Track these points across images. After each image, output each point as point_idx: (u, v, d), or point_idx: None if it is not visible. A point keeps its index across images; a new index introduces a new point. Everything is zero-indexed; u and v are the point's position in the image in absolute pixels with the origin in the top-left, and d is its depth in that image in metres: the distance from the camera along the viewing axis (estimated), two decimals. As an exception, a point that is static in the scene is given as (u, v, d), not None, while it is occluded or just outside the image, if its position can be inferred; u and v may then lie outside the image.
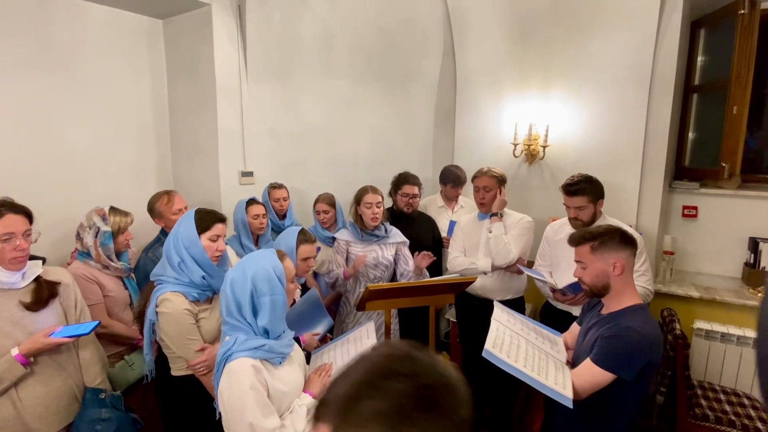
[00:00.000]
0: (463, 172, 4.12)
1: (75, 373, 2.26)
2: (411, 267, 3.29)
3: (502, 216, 3.26)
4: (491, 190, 3.25)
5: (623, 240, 2.02)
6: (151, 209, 3.09)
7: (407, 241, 3.38)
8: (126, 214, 2.83)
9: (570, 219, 2.97)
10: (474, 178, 3.34)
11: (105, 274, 2.75)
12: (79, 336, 2.14)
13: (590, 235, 2.06)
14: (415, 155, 4.82)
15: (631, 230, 2.70)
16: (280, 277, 1.85)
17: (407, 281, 3.22)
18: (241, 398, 1.70)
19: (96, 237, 2.70)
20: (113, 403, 2.30)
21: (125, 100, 3.76)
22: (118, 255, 2.82)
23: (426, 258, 3.22)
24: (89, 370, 2.30)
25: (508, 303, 2.50)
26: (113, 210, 2.79)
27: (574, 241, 2.10)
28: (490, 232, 3.19)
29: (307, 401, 1.90)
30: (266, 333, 1.84)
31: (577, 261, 2.11)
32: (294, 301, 2.69)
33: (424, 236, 3.70)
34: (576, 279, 2.60)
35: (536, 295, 3.69)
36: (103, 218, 2.73)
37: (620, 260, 1.99)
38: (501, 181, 3.28)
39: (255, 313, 1.83)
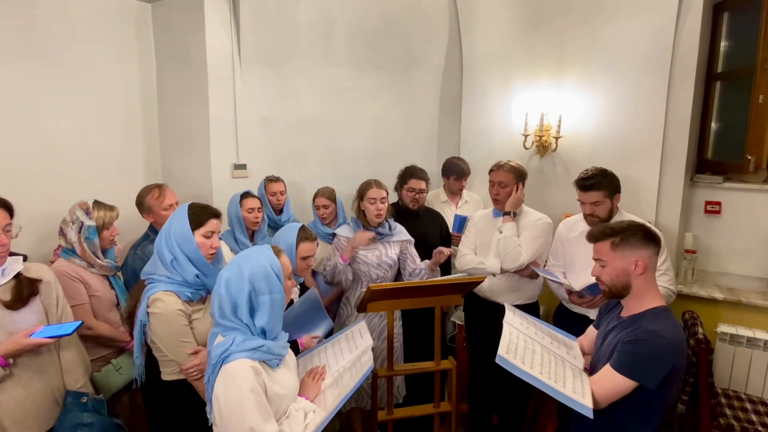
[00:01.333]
0: (466, 164, 4.10)
1: (56, 375, 2.25)
2: (422, 265, 3.27)
3: (515, 215, 3.18)
4: (507, 186, 3.17)
5: (646, 236, 2.00)
6: (140, 203, 3.08)
7: (412, 240, 3.36)
8: (111, 208, 2.82)
9: (585, 215, 2.95)
10: (490, 171, 3.27)
11: (90, 273, 2.74)
12: (60, 337, 2.13)
13: (611, 231, 2.03)
14: (419, 147, 4.82)
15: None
16: (278, 274, 1.85)
17: (413, 281, 3.21)
18: (240, 401, 1.69)
19: (80, 232, 2.69)
20: (96, 408, 2.29)
21: (112, 89, 3.75)
22: (104, 252, 2.81)
23: (442, 254, 3.17)
24: (71, 372, 2.30)
25: (519, 308, 2.49)
26: (97, 204, 2.78)
27: (594, 237, 2.08)
28: (501, 232, 3.14)
29: (304, 405, 1.91)
30: (263, 334, 1.84)
31: (595, 259, 2.09)
32: (291, 300, 2.70)
33: (431, 234, 3.68)
34: (594, 280, 2.60)
35: (549, 297, 3.68)
36: (87, 212, 2.72)
37: (643, 258, 1.97)
38: (520, 176, 3.19)
39: (252, 313, 1.83)
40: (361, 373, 2.10)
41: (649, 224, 2.13)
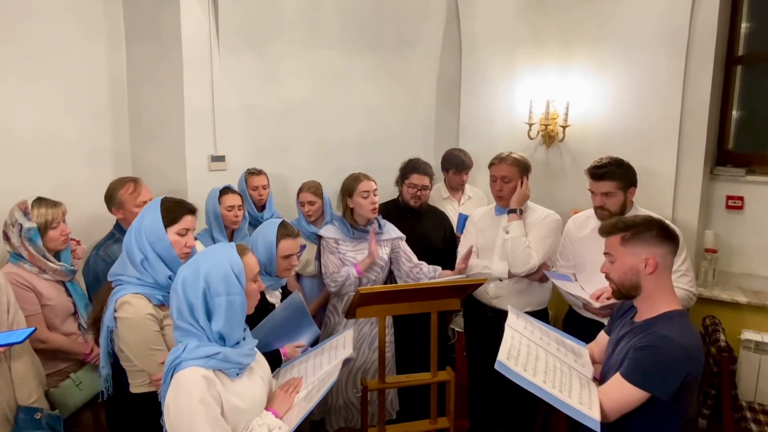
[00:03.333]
0: (467, 155, 4.10)
1: (6, 389, 2.22)
2: (423, 262, 3.26)
3: (522, 213, 3.13)
4: (511, 181, 3.11)
5: (662, 234, 2.00)
6: (110, 197, 3.05)
7: (403, 236, 3.35)
8: (55, 204, 2.76)
9: (595, 208, 2.94)
10: (491, 165, 3.20)
11: (42, 279, 2.70)
12: (10, 345, 2.10)
13: (623, 225, 2.04)
14: (415, 137, 4.80)
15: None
16: (238, 274, 1.86)
17: (407, 283, 3.21)
18: (189, 413, 1.70)
19: (20, 235, 2.64)
20: (50, 424, 2.28)
21: (76, 72, 3.71)
22: (57, 255, 2.77)
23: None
24: (23, 386, 2.27)
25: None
26: (38, 201, 2.72)
27: (605, 230, 2.09)
28: (507, 232, 3.09)
29: (269, 421, 1.90)
30: (222, 339, 1.84)
31: (605, 254, 2.10)
32: (273, 305, 2.68)
33: (434, 234, 3.62)
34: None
35: (558, 302, 3.68)
36: (25, 213, 2.66)
37: (654, 256, 1.97)
38: (524, 169, 3.14)
39: (209, 316, 1.83)
40: (325, 386, 2.08)
41: (668, 222, 2.12)
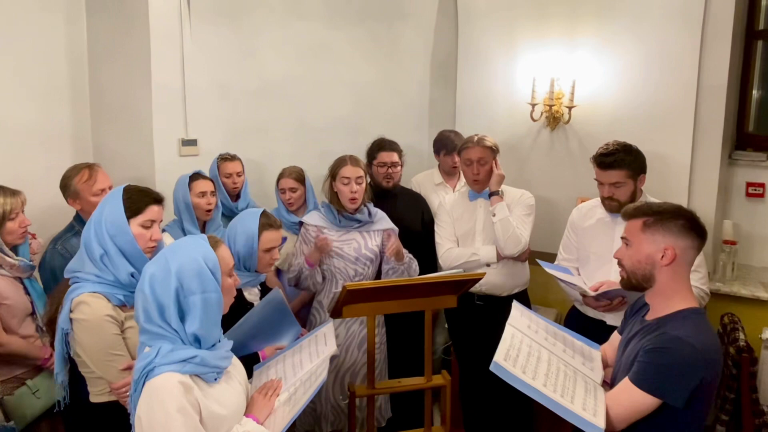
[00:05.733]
0: (459, 136, 4.11)
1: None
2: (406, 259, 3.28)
3: (502, 194, 3.32)
4: (486, 164, 3.31)
5: (689, 226, 2.00)
6: (65, 186, 3.04)
7: (396, 229, 3.36)
8: (14, 193, 2.73)
9: (602, 199, 2.97)
10: (462, 149, 3.39)
11: None
12: None
13: (648, 209, 2.05)
14: (407, 118, 4.80)
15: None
16: (213, 270, 1.85)
17: (399, 278, 3.20)
18: (165, 423, 1.69)
19: None
20: (4, 437, 2.27)
21: (30, 48, 3.68)
22: (14, 250, 2.75)
23: (393, 237, 3.24)
24: None
25: (515, 298, 2.54)
26: None
27: (628, 213, 2.11)
28: (494, 215, 3.25)
29: (249, 428, 1.90)
30: (197, 341, 1.83)
31: (622, 238, 2.11)
32: (251, 303, 2.67)
33: (411, 218, 3.70)
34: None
35: (562, 300, 3.69)
36: None
37: (674, 247, 1.97)
38: (495, 151, 3.36)
39: (182, 317, 1.81)
40: (313, 388, 2.08)
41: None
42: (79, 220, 3.01)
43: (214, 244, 1.93)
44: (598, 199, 3.02)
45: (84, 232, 2.21)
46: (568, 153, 4.24)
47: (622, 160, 2.84)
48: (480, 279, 2.78)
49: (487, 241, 3.33)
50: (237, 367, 2.07)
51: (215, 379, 1.86)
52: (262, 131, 4.30)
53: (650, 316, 2.06)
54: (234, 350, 2.06)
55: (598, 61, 4.05)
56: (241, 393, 2.01)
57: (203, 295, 1.81)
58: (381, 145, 3.74)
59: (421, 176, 4.27)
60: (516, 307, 2.41)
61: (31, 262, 2.82)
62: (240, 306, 2.52)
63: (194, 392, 1.76)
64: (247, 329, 2.45)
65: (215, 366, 1.85)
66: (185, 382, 1.74)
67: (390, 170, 3.70)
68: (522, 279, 3.45)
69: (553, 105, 4.14)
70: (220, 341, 1.93)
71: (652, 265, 2.00)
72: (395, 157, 3.71)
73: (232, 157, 3.76)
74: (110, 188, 3.04)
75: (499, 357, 1.94)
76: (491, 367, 1.90)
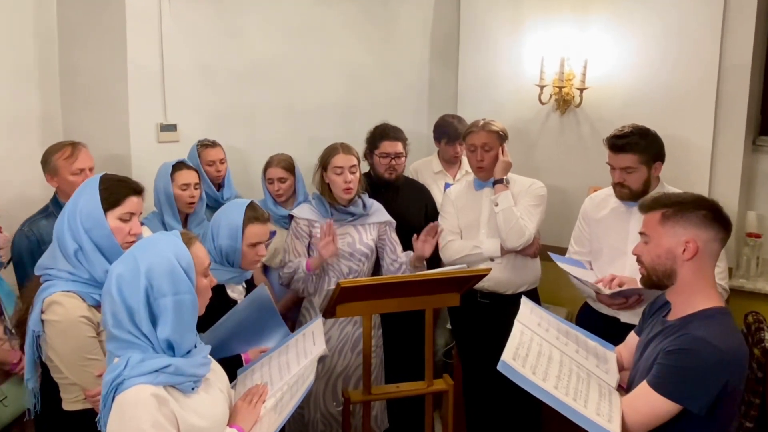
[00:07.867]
0: (462, 122, 4.11)
1: None
2: (403, 257, 3.28)
3: (508, 183, 3.32)
4: (491, 150, 3.30)
5: (712, 216, 2.00)
6: (45, 161, 3.06)
7: (393, 222, 3.37)
8: None
9: (614, 185, 2.98)
10: (467, 134, 3.38)
11: None
12: None
13: (667, 200, 2.05)
14: (406, 102, 4.81)
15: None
16: (187, 269, 1.82)
17: (395, 275, 3.20)
18: None
19: None
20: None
21: (-5, 25, 3.65)
22: None
23: (429, 241, 3.20)
24: None
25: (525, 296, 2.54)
26: None
27: (646, 205, 2.11)
28: (496, 205, 3.26)
29: None
30: (170, 348, 1.81)
31: (641, 233, 2.11)
32: (234, 300, 2.66)
33: (414, 212, 3.69)
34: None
35: (572, 296, 3.69)
36: None
37: (696, 240, 1.97)
38: (503, 137, 3.35)
39: (153, 321, 1.79)
40: (300, 391, 2.08)
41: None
42: (56, 203, 3.02)
43: (188, 241, 1.91)
44: (611, 188, 3.02)
45: (56, 225, 2.19)
46: (579, 139, 4.25)
47: (635, 144, 2.85)
48: (485, 275, 2.79)
49: (491, 233, 3.32)
50: (217, 373, 2.05)
51: (192, 389, 1.83)
52: (248, 116, 4.30)
53: (672, 316, 2.06)
54: (214, 351, 2.05)
55: (611, 40, 4.05)
56: (223, 402, 1.99)
57: (175, 297, 1.78)
58: (384, 133, 3.64)
59: (419, 164, 4.28)
60: (525, 304, 2.41)
61: None
62: (222, 303, 2.51)
63: (170, 404, 1.74)
64: (230, 328, 2.45)
65: (191, 374, 1.82)
66: (159, 395, 1.72)
67: (393, 162, 3.62)
68: (530, 276, 3.44)
69: (563, 87, 4.15)
70: (196, 347, 1.91)
71: (673, 260, 1.99)
72: (399, 147, 3.63)
73: (214, 144, 3.75)
74: (91, 170, 3.05)
75: (507, 356, 1.94)
76: (498, 367, 1.90)
